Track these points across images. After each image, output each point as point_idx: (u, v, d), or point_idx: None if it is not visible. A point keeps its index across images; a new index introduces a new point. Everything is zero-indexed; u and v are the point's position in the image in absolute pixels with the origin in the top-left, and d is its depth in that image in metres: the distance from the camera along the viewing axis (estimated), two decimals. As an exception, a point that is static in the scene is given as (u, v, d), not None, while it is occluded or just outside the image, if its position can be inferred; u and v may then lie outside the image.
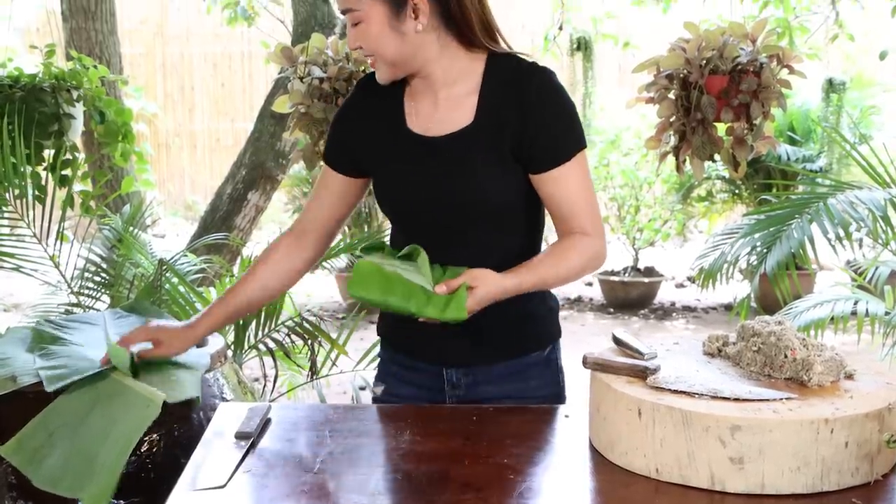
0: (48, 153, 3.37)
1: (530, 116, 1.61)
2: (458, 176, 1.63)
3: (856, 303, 3.14)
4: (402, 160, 1.68)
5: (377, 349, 1.94)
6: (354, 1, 1.59)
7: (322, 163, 1.81)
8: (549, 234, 1.70)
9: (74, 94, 3.38)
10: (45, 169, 3.34)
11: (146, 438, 1.78)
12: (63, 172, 3.36)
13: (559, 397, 1.81)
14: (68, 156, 3.38)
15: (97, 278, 3.08)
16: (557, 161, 1.62)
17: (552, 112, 1.62)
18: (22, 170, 2.93)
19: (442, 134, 1.65)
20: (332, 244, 2.03)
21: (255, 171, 4.72)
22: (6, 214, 2.93)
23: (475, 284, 1.53)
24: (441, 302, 1.50)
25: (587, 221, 1.65)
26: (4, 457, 1.73)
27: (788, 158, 6.45)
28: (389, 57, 1.62)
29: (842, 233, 2.72)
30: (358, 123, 1.74)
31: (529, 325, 1.76)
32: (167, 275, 2.83)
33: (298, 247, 1.80)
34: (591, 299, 7.11)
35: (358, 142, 1.73)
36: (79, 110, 3.41)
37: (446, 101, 1.66)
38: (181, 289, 2.87)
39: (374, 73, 1.71)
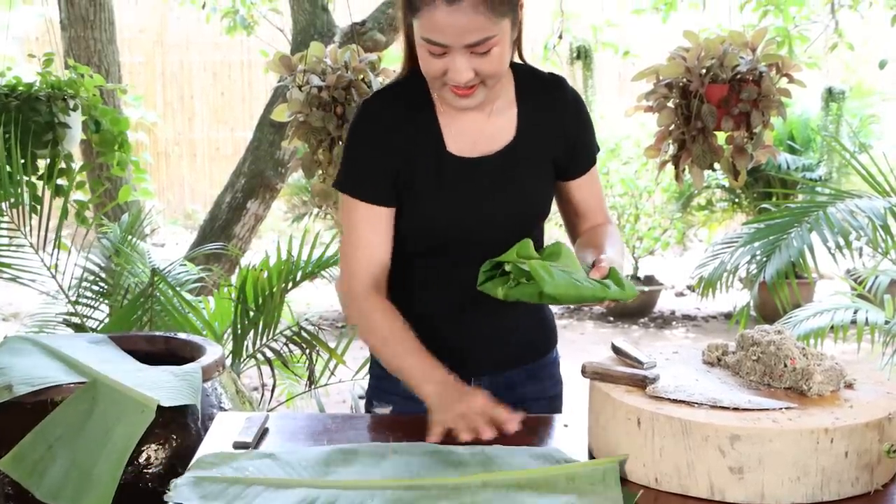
0: (45, 162, 3.37)
1: (570, 125, 1.68)
2: (508, 190, 1.63)
3: (856, 312, 3.14)
4: (450, 186, 1.61)
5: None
6: (490, 27, 1.45)
7: (351, 202, 1.63)
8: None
9: (71, 104, 3.38)
10: (39, 178, 3.33)
11: (143, 448, 1.77)
12: (59, 182, 3.36)
13: (562, 396, 1.85)
14: (64, 165, 3.38)
15: (95, 288, 3.08)
16: (590, 164, 1.73)
17: (584, 118, 1.71)
18: (18, 179, 2.92)
19: (489, 153, 1.63)
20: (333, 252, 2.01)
21: (255, 179, 4.72)
22: (4, 224, 2.93)
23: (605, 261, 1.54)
24: (602, 285, 1.49)
25: (605, 214, 1.77)
26: (4, 470, 1.73)
27: (788, 167, 6.45)
28: (502, 76, 1.56)
29: (842, 241, 2.72)
30: (392, 150, 1.61)
31: (544, 325, 1.80)
32: (161, 285, 2.82)
33: (385, 301, 1.65)
34: (590, 308, 7.10)
35: (399, 170, 1.61)
36: (75, 119, 3.41)
37: (490, 118, 1.63)
38: (174, 300, 2.85)
39: (382, 94, 1.67)
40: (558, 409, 1.83)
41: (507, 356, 1.75)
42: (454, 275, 1.66)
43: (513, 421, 1.50)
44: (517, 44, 1.60)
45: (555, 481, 1.36)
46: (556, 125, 1.66)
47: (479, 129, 1.63)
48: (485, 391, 1.57)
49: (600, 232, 1.70)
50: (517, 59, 1.65)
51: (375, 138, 1.62)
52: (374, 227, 1.63)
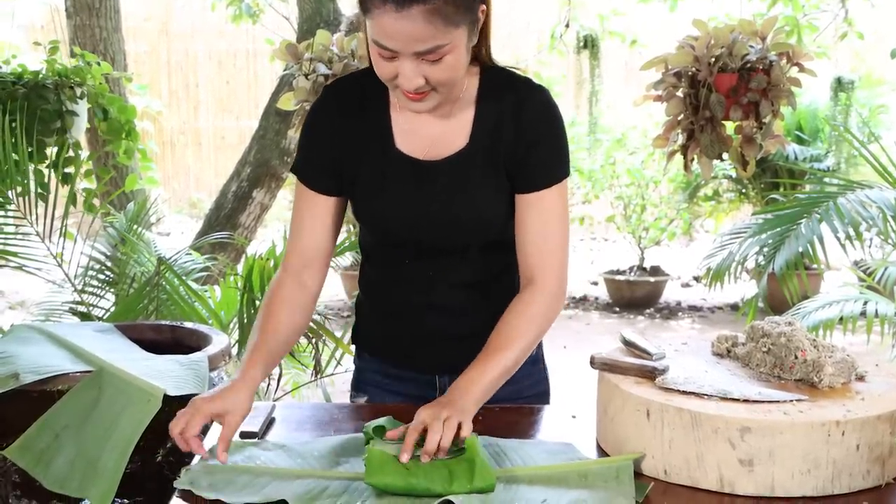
0: (51, 150, 3.36)
1: (527, 133, 1.56)
2: (456, 198, 1.58)
3: (865, 303, 3.12)
4: (396, 183, 1.58)
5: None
6: (442, 36, 1.39)
7: (298, 185, 1.63)
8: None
9: (78, 91, 3.37)
10: (47, 166, 3.32)
11: (150, 437, 1.76)
12: (66, 170, 3.35)
13: (546, 396, 1.80)
14: (71, 153, 3.37)
15: (101, 276, 3.07)
16: (543, 183, 1.56)
17: (548, 132, 1.58)
18: (25, 167, 2.92)
19: (439, 158, 1.58)
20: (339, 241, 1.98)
21: (260, 168, 4.71)
22: (10, 213, 2.92)
23: (458, 422, 1.37)
24: (464, 471, 1.33)
25: (549, 267, 1.56)
26: (11, 458, 1.73)
27: (796, 158, 6.43)
28: (458, 82, 1.50)
29: (852, 232, 2.70)
30: (340, 141, 1.59)
31: None
32: (167, 274, 2.82)
33: (301, 287, 1.62)
34: (596, 298, 7.10)
35: (343, 162, 1.59)
36: (82, 107, 3.40)
37: (444, 120, 1.58)
38: (181, 288, 2.85)
39: (341, 81, 1.65)
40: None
41: (471, 357, 1.61)
42: (412, 270, 1.65)
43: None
44: (483, 45, 1.55)
45: (566, 477, 1.35)
46: (511, 130, 1.56)
47: (431, 130, 1.57)
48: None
49: (510, 330, 1.53)
50: (488, 61, 1.59)
51: (326, 126, 1.60)
52: (314, 214, 1.61)
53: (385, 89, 1.56)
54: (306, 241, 1.63)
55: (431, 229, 1.59)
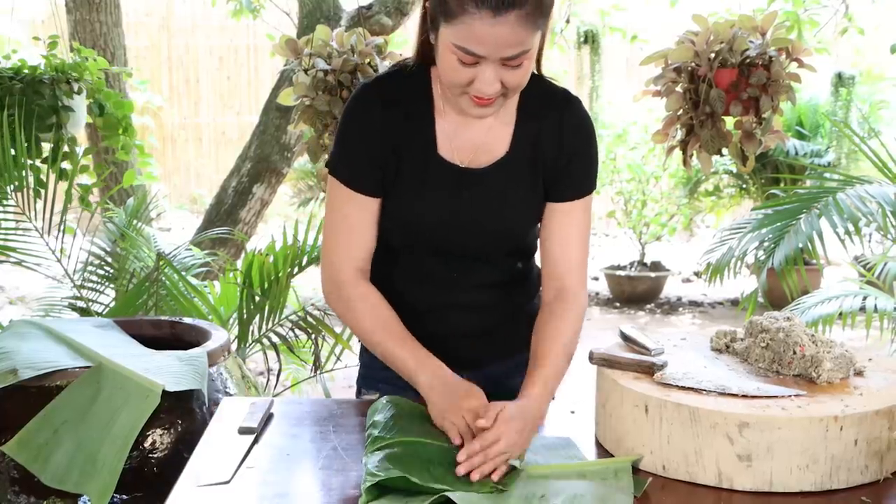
0: (48, 146, 3.36)
1: (567, 145, 1.59)
2: (494, 206, 1.59)
3: (864, 298, 3.12)
4: (436, 189, 1.58)
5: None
6: (528, 40, 1.39)
7: (340, 187, 1.58)
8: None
9: (75, 87, 3.36)
10: (44, 161, 3.32)
11: (149, 433, 1.77)
12: (63, 165, 3.35)
13: None
14: (67, 148, 3.37)
15: (101, 272, 3.07)
16: (577, 194, 1.61)
17: (585, 144, 1.62)
18: (22, 162, 2.91)
19: (480, 165, 1.58)
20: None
21: (261, 164, 4.71)
22: (9, 208, 2.92)
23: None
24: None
25: (579, 275, 1.62)
26: (9, 454, 1.73)
27: (796, 153, 6.42)
28: (522, 88, 1.50)
29: (851, 228, 2.70)
30: (387, 144, 1.56)
31: (530, 321, 1.74)
32: (166, 269, 2.81)
33: (372, 287, 1.61)
34: (597, 293, 7.10)
35: (388, 163, 1.57)
36: (80, 103, 3.39)
37: (487, 128, 1.58)
38: (180, 284, 2.85)
39: (383, 79, 1.61)
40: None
41: (492, 351, 1.72)
42: (437, 271, 1.65)
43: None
44: (538, 54, 1.55)
45: (565, 473, 1.35)
46: (554, 142, 1.58)
47: (474, 137, 1.58)
48: (478, 389, 1.50)
49: (557, 336, 1.56)
50: (535, 70, 1.59)
51: (369, 125, 1.57)
52: (361, 214, 1.59)
53: (429, 92, 1.57)
54: (364, 246, 1.60)
55: (466, 235, 1.60)
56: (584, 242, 1.63)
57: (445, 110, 1.57)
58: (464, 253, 1.63)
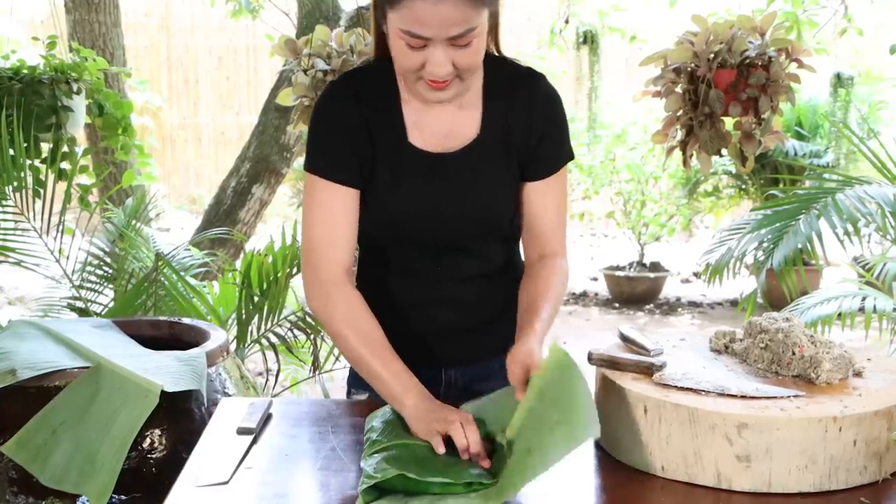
0: (47, 146, 3.36)
1: (536, 123, 1.60)
2: (471, 189, 1.59)
3: (863, 299, 3.11)
4: (411, 178, 1.58)
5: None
6: (474, 17, 1.40)
7: (319, 182, 1.57)
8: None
9: (74, 87, 3.36)
10: (43, 162, 3.32)
11: (147, 434, 1.76)
12: (62, 165, 3.34)
13: None
14: (66, 149, 3.37)
15: (99, 272, 3.07)
16: (552, 170, 1.63)
17: (555, 120, 1.62)
18: (21, 162, 2.91)
19: (451, 150, 1.58)
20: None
21: (260, 164, 4.71)
22: (8, 209, 2.92)
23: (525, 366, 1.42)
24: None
25: (559, 240, 1.65)
26: (8, 454, 1.73)
27: (796, 153, 6.42)
28: (478, 70, 1.51)
29: (850, 228, 2.69)
30: (361, 135, 1.57)
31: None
32: (165, 270, 2.81)
33: (354, 290, 1.58)
34: (595, 294, 7.10)
35: (365, 155, 1.57)
36: (79, 103, 3.39)
37: (454, 113, 1.58)
38: (179, 284, 2.84)
39: (348, 74, 1.63)
40: None
41: (478, 348, 1.71)
42: (421, 266, 1.64)
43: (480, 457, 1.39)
44: (494, 34, 1.56)
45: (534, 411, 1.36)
46: (523, 122, 1.59)
47: (443, 123, 1.57)
48: (464, 413, 1.45)
49: (544, 285, 1.58)
50: (495, 51, 1.61)
51: (346, 118, 1.57)
52: (343, 208, 1.56)
53: (394, 84, 1.57)
54: (346, 242, 1.57)
55: (445, 223, 1.60)
56: (563, 209, 1.66)
57: (410, 99, 1.58)
58: (446, 244, 1.62)
